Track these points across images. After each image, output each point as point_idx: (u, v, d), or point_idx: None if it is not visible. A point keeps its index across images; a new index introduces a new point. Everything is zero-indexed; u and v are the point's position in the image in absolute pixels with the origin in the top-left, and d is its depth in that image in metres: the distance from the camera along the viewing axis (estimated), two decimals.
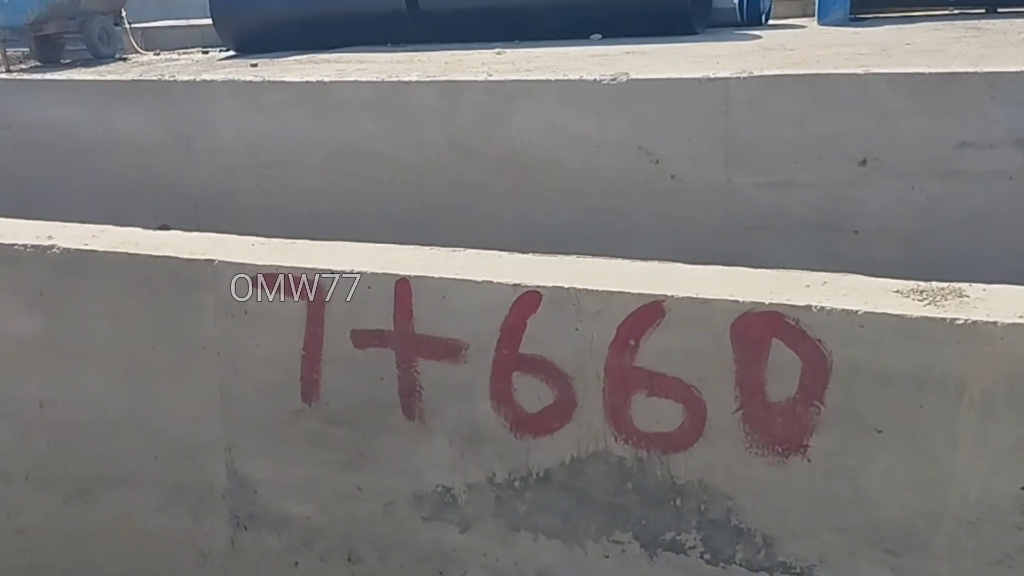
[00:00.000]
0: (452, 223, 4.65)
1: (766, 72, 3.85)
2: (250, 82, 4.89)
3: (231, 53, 18.99)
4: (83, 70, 17.10)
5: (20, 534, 2.32)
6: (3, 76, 5.64)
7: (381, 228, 4.78)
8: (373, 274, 1.93)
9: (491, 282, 1.82)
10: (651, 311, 1.69)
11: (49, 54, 18.87)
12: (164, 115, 5.07)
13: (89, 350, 2.24)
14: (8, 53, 17.65)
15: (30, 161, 5.25)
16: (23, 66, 18.62)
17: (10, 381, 2.31)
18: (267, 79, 4.87)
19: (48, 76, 5.51)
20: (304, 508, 2.08)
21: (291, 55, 17.43)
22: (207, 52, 19.65)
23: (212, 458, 2.14)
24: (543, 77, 4.40)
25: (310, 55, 17.03)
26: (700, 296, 1.67)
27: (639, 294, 1.71)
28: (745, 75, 3.84)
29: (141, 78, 5.32)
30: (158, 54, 20.02)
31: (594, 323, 1.74)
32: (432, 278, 1.88)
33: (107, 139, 5.20)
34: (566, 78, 4.33)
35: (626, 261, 1.89)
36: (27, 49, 18.37)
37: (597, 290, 1.75)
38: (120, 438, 2.23)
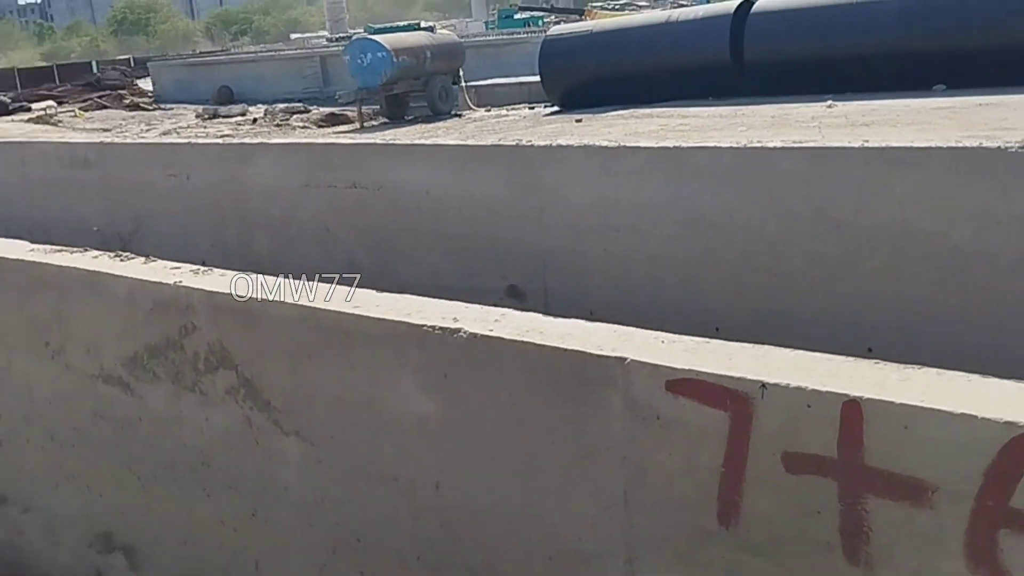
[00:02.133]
0: (811, 299, 4.32)
1: None
2: (605, 147, 4.87)
3: (555, 109, 19.82)
4: (424, 126, 18.32)
5: None
6: (378, 141, 6.07)
7: (730, 300, 4.56)
8: (814, 391, 1.69)
9: (973, 417, 1.52)
10: None
11: (396, 111, 20.93)
12: (519, 178, 5.19)
13: (486, 438, 2.19)
14: (363, 111, 19.62)
15: (396, 220, 5.59)
16: (373, 122, 20.65)
17: (409, 460, 2.33)
18: (622, 144, 4.83)
19: (416, 140, 5.86)
20: None
21: (613, 110, 17.83)
22: (533, 108, 20.69)
23: (610, 568, 2.00)
24: (932, 144, 3.96)
25: (631, 110, 17.28)
26: None
27: None
28: None
29: (500, 143, 5.50)
30: (489, 110, 21.41)
31: None
32: (892, 404, 1.61)
33: (464, 200, 5.42)
34: (959, 145, 3.87)
35: None
36: (377, 106, 20.40)
37: None
38: (512, 532, 2.16)
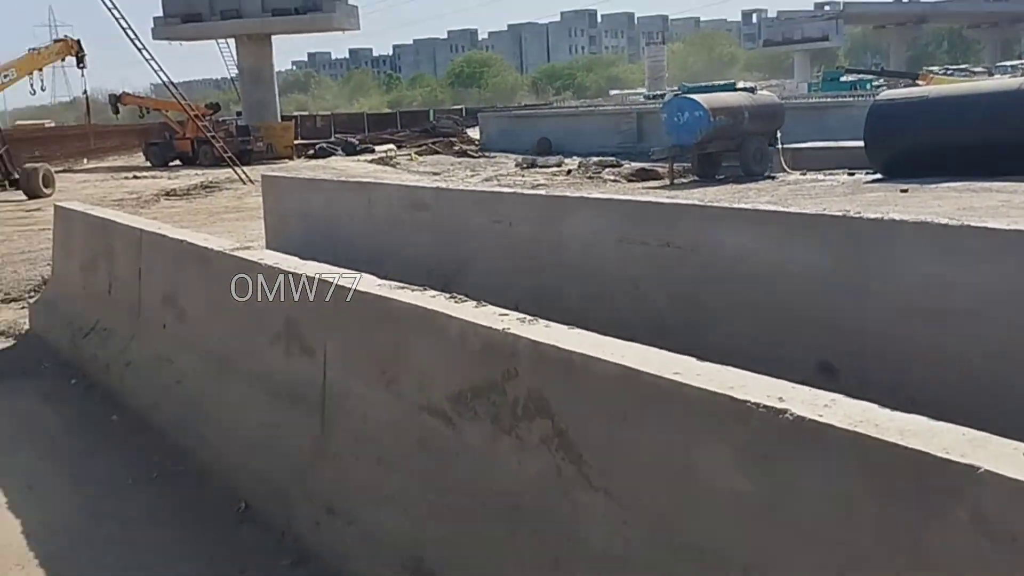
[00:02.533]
0: None
1: None
2: (946, 225, 4.52)
3: (877, 176, 18.75)
4: (735, 187, 18.12)
5: None
6: (696, 202, 6.04)
7: None
8: None
9: None
10: None
11: (707, 170, 20.88)
12: (842, 251, 4.95)
13: (805, 527, 2.08)
14: (674, 167, 19.81)
15: (707, 283, 5.53)
16: (683, 179, 20.71)
17: (718, 536, 2.26)
18: (967, 223, 4.45)
19: (735, 204, 5.76)
20: None
21: (943, 181, 16.57)
22: (852, 174, 19.72)
23: None
24: None
25: (965, 182, 15.98)
26: None
27: None
28: None
29: (824, 212, 5.28)
30: (804, 174, 20.70)
31: None
32: None
33: (779, 268, 5.25)
34: None
35: None
36: (688, 164, 20.49)
37: None
38: None
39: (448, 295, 3.41)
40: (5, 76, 21.92)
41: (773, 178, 19.62)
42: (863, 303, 4.86)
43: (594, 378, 2.60)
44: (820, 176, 19.63)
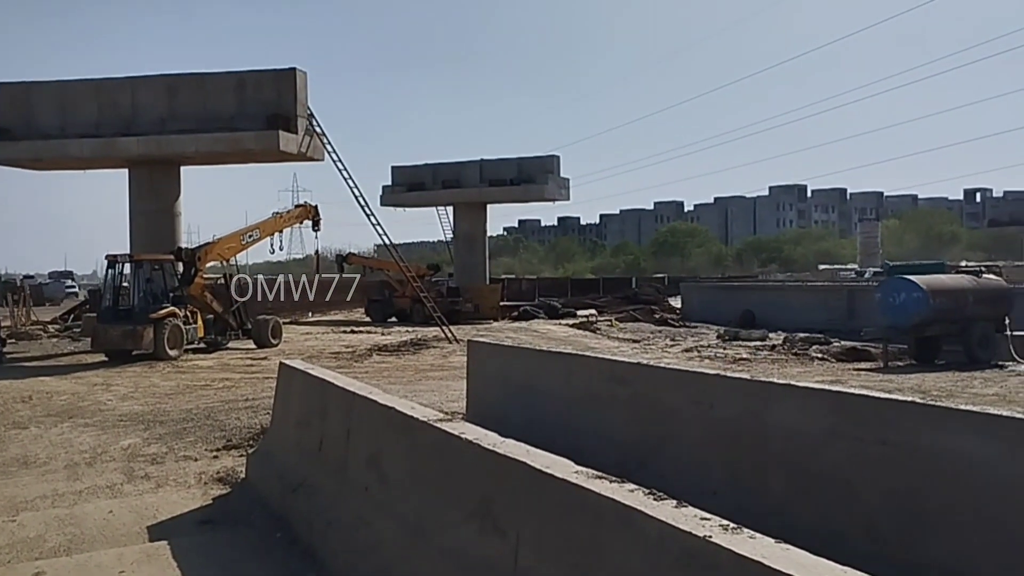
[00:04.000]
0: None
1: None
2: None
3: None
4: (957, 375, 16.93)
5: None
6: (916, 400, 5.64)
7: None
8: None
9: None
10: None
11: (925, 354, 19.57)
12: None
13: None
14: (888, 349, 18.70)
15: (930, 489, 5.10)
16: (899, 363, 19.51)
17: None
18: None
19: (961, 406, 5.34)
20: None
21: None
22: None
23: None
24: None
25: None
26: None
27: None
28: None
29: None
30: None
31: None
32: None
33: (1015, 481, 4.77)
34: None
35: None
36: (904, 346, 19.26)
37: None
38: None
39: (647, 491, 3.31)
40: (250, 236, 24.25)
41: (1001, 367, 18.16)
42: None
43: None
44: None
